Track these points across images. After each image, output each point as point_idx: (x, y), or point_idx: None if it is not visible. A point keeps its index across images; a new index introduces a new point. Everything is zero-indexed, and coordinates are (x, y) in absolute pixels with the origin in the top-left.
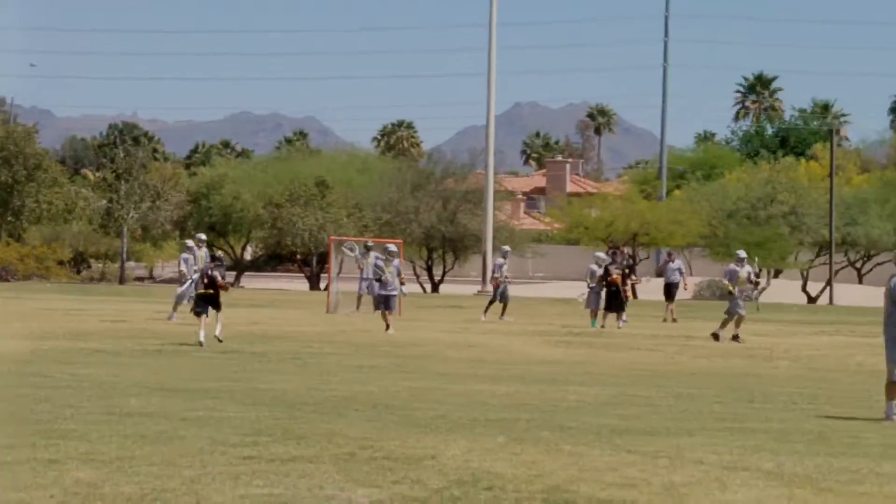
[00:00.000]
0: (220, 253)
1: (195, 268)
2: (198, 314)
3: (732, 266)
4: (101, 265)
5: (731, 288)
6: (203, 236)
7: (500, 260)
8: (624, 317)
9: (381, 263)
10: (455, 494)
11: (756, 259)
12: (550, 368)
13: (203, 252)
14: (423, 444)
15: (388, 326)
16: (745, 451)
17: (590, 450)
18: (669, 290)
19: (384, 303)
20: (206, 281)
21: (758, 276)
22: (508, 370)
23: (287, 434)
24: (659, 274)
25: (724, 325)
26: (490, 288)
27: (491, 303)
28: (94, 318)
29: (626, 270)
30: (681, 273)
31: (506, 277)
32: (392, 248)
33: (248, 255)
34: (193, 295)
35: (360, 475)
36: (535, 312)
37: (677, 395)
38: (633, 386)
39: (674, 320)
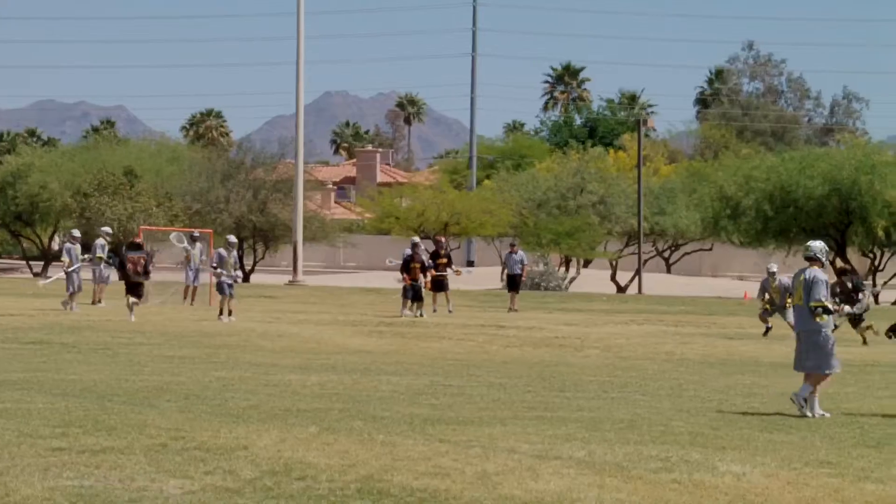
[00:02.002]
0: None
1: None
2: None
3: (765, 279)
4: None
5: (763, 302)
6: (77, 232)
7: None
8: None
9: (224, 253)
10: (267, 485)
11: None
12: (362, 358)
13: (78, 248)
14: (235, 435)
15: (229, 313)
16: (556, 439)
17: (403, 439)
18: (513, 281)
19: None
20: None
21: (858, 288)
22: (320, 360)
23: (98, 425)
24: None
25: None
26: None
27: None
28: None
29: (446, 260)
30: (522, 264)
31: None
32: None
33: (55, 246)
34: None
35: (171, 466)
36: (346, 302)
37: (489, 385)
38: (445, 375)
39: (515, 310)
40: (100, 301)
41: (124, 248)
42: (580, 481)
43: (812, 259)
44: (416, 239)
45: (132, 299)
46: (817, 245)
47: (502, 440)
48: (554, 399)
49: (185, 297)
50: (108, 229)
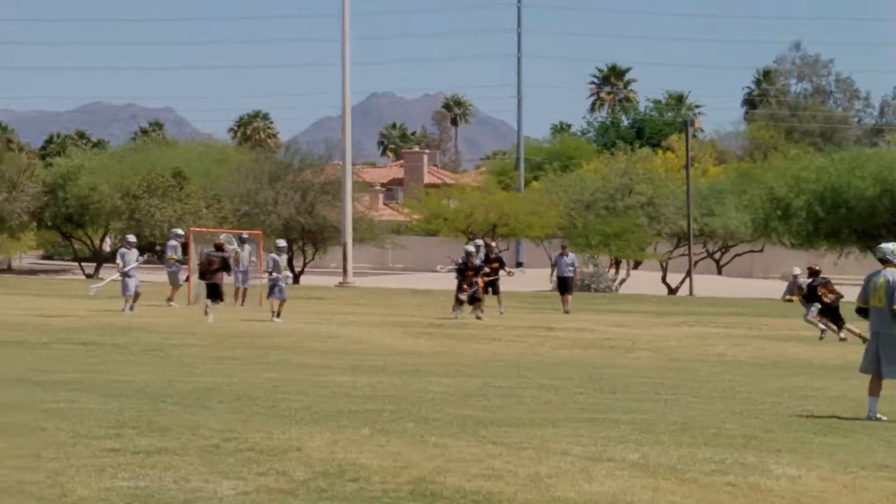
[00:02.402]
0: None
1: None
2: None
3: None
4: None
5: (788, 298)
6: (132, 238)
7: None
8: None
9: (276, 257)
10: (321, 486)
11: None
12: (413, 360)
13: (134, 252)
14: (287, 436)
15: (277, 314)
16: (609, 441)
17: (455, 441)
18: (564, 283)
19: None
20: None
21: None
22: (370, 361)
23: (151, 426)
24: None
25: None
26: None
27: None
28: None
29: (497, 264)
30: (574, 266)
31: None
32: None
33: (107, 247)
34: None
35: (225, 467)
36: (395, 303)
37: (540, 386)
38: (496, 377)
39: (567, 312)
40: (171, 301)
41: (203, 249)
42: (633, 483)
43: (885, 261)
44: (471, 248)
45: (211, 302)
46: (888, 247)
47: (554, 442)
48: (605, 401)
49: (235, 299)
50: (179, 231)
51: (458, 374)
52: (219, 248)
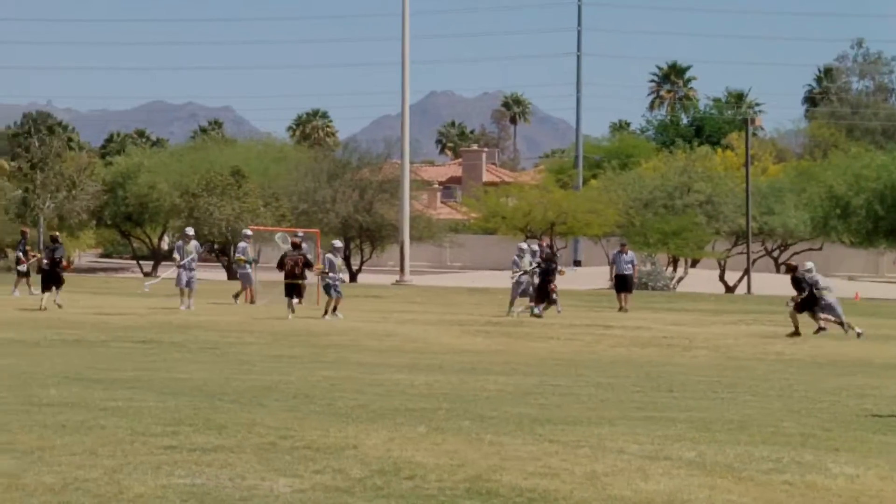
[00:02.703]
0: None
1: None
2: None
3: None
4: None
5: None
6: (190, 231)
7: None
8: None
9: (332, 257)
10: (377, 484)
11: None
12: (469, 358)
13: (192, 245)
14: (343, 434)
15: (334, 310)
16: (665, 440)
17: (511, 439)
18: (623, 281)
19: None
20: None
21: None
22: (427, 360)
23: (208, 424)
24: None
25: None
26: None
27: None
28: (12, 308)
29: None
30: (633, 265)
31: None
32: (301, 235)
33: (165, 245)
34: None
35: (281, 465)
36: (452, 302)
37: (597, 385)
38: (552, 375)
39: (625, 310)
40: (252, 301)
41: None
42: (690, 482)
43: None
44: (525, 245)
45: (293, 299)
46: None
47: (611, 440)
48: (662, 399)
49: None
50: (248, 231)
51: (514, 373)
52: (296, 246)
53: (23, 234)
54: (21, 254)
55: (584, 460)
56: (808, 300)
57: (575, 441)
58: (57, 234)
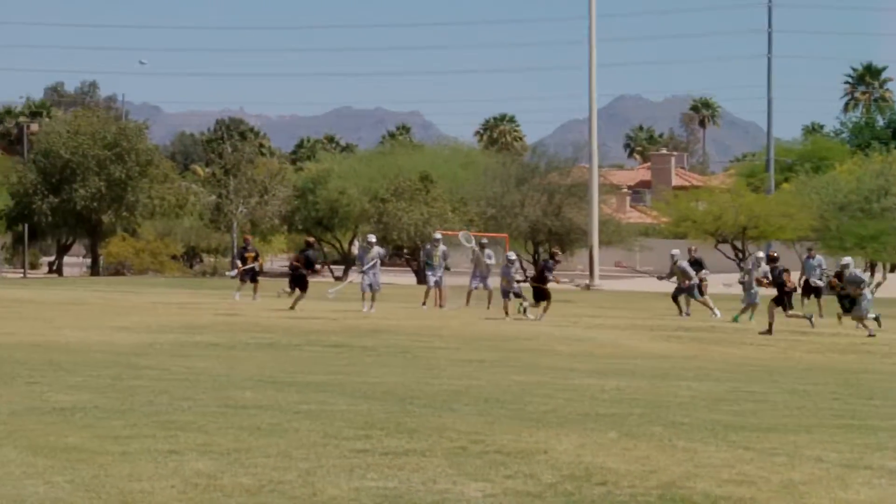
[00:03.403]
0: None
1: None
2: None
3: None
4: (212, 259)
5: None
6: (372, 237)
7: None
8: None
9: (509, 269)
10: (568, 489)
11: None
12: (661, 363)
13: (374, 251)
14: (534, 439)
15: (505, 312)
16: (866, 448)
17: (704, 446)
18: (809, 287)
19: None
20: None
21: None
22: (617, 364)
23: (399, 427)
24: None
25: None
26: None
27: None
28: (208, 312)
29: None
30: (821, 269)
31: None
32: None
33: (355, 250)
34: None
35: (472, 469)
36: (642, 307)
37: (792, 391)
38: (746, 381)
39: (820, 316)
40: (442, 305)
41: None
42: (893, 492)
43: None
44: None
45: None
46: None
47: (808, 448)
48: (861, 407)
49: (466, 302)
50: (437, 235)
51: (707, 378)
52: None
53: (245, 240)
54: (239, 260)
55: (780, 468)
56: (783, 295)
57: (770, 448)
58: (312, 239)
